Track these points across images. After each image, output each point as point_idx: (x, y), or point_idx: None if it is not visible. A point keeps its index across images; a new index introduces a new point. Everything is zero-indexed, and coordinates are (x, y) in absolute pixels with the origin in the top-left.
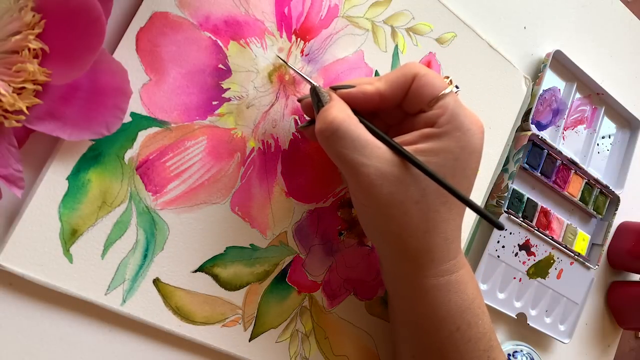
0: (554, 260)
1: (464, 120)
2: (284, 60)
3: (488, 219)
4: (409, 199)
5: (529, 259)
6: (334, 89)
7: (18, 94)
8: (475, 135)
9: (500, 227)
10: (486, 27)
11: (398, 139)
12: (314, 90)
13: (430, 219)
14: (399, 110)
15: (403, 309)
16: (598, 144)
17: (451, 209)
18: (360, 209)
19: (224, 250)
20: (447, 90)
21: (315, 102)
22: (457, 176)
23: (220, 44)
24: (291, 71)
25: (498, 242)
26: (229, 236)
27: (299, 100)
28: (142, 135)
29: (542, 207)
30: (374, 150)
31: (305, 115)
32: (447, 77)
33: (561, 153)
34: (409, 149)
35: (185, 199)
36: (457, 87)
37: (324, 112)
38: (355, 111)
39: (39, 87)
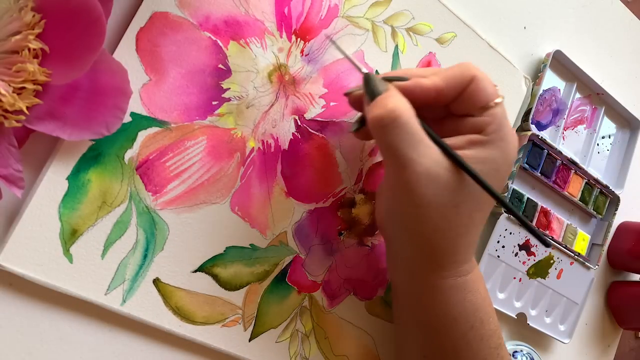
0: (554, 260)
1: (508, 132)
2: (336, 45)
3: (538, 237)
4: (450, 203)
5: (529, 259)
6: (387, 79)
7: (18, 94)
8: (515, 149)
9: (547, 245)
10: (486, 27)
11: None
12: (368, 77)
13: (464, 224)
14: (443, 107)
15: (414, 308)
16: (598, 144)
17: (484, 216)
18: (392, 205)
19: (224, 250)
20: (498, 100)
21: (369, 90)
22: (494, 186)
23: (220, 44)
24: (342, 55)
25: (498, 242)
26: (229, 236)
27: (346, 94)
28: (142, 135)
29: (542, 207)
30: (426, 150)
31: (306, 115)
32: (496, 85)
33: (561, 153)
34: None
35: (185, 199)
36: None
37: (383, 99)
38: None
39: (39, 87)
